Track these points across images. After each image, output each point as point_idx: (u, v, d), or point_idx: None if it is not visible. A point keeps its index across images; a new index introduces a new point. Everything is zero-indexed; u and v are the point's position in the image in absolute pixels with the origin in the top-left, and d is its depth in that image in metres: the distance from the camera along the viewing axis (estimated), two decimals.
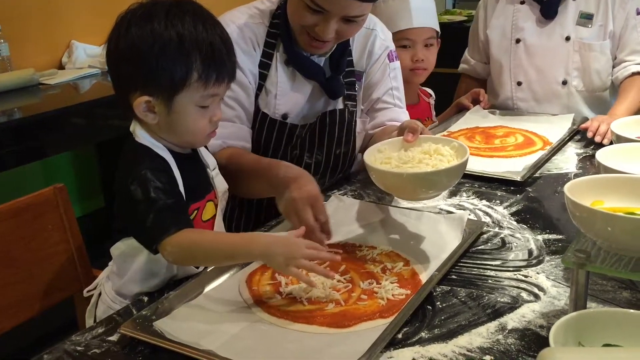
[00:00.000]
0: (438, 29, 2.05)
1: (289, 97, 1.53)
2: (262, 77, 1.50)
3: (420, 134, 1.32)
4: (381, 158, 1.29)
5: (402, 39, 1.98)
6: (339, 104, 1.57)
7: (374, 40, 1.62)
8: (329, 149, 1.59)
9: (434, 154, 1.26)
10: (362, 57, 1.62)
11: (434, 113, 2.19)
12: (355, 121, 1.62)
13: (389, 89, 1.65)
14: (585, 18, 2.06)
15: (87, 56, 2.96)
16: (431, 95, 2.19)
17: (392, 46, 1.68)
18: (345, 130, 1.59)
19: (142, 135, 1.11)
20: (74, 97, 2.62)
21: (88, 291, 1.27)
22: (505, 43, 2.18)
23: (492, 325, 0.99)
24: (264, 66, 1.49)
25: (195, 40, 1.05)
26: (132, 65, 1.06)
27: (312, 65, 1.52)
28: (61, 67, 2.96)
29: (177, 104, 1.07)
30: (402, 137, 1.32)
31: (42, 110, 2.35)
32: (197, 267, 1.16)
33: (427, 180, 1.20)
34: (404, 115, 1.67)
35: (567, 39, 2.08)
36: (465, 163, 1.21)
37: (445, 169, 1.20)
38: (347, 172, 1.68)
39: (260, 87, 1.50)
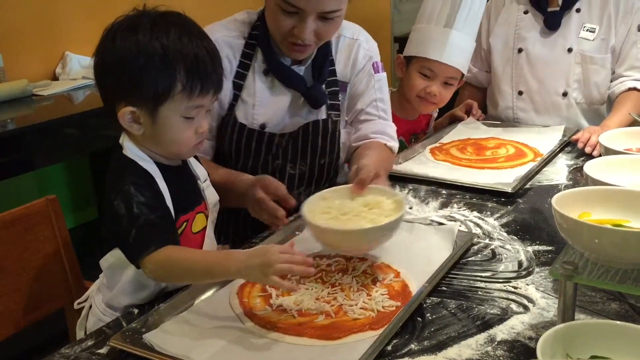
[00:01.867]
0: (465, 72, 2.01)
1: (268, 107, 1.53)
2: (238, 87, 1.50)
3: (372, 181, 1.28)
4: (322, 207, 1.25)
5: (424, 67, 1.95)
6: (322, 114, 1.57)
7: (357, 49, 1.61)
8: (313, 159, 1.58)
9: (375, 207, 1.23)
10: (346, 67, 1.61)
11: (432, 125, 2.19)
12: (339, 131, 1.60)
13: (373, 100, 1.64)
14: (588, 31, 2.08)
15: (81, 67, 2.96)
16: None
17: (377, 57, 1.66)
18: (329, 140, 1.58)
19: (129, 148, 1.11)
20: (68, 108, 2.62)
21: (79, 303, 1.27)
22: (507, 52, 2.19)
23: (482, 337, 0.99)
24: (240, 76, 1.50)
25: (179, 52, 1.06)
26: (117, 77, 1.07)
27: (292, 74, 1.53)
28: (55, 78, 2.96)
29: (162, 114, 1.08)
30: (350, 185, 1.29)
31: (36, 121, 2.35)
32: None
33: (347, 237, 1.15)
34: (389, 128, 1.65)
35: (569, 50, 2.10)
36: (392, 223, 1.16)
37: (364, 229, 1.15)
38: (333, 182, 1.67)
39: (236, 98, 1.51)
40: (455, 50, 1.93)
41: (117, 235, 1.07)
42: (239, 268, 1.01)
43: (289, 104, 1.55)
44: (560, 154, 1.87)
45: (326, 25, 1.41)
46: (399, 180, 1.67)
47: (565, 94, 2.13)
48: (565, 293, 0.92)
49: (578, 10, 2.09)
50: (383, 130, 1.63)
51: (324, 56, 1.55)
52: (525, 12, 2.17)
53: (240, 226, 1.63)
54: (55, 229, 1.50)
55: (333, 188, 1.31)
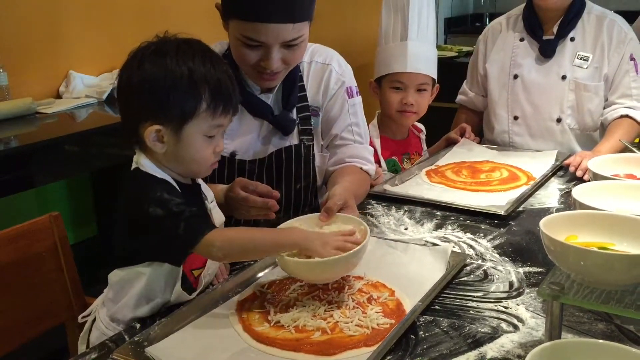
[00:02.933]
0: (434, 77, 2.08)
1: (237, 135, 1.57)
2: None
3: (340, 210, 1.30)
4: None
5: (394, 81, 2.04)
6: (294, 140, 1.60)
7: (329, 75, 1.64)
8: (288, 185, 1.61)
9: None
10: (317, 92, 1.63)
11: (424, 147, 2.24)
12: (313, 155, 1.62)
13: (348, 125, 1.66)
14: (582, 59, 2.14)
15: (85, 86, 3.00)
16: (422, 131, 2.24)
17: (351, 82, 1.68)
18: (303, 165, 1.60)
19: (147, 165, 1.16)
20: (70, 126, 2.66)
21: (83, 317, 1.30)
22: (503, 78, 2.25)
23: (472, 355, 1.03)
24: None
25: (204, 75, 1.12)
26: (144, 98, 1.12)
27: (259, 103, 1.56)
28: (59, 96, 3.00)
29: (186, 133, 1.14)
30: (318, 214, 1.30)
31: (39, 139, 2.39)
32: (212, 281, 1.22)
33: (307, 268, 1.16)
34: (364, 151, 1.68)
35: (564, 77, 2.15)
36: (350, 255, 1.15)
37: (317, 262, 1.14)
38: (313, 206, 1.68)
39: None
40: (416, 58, 2.01)
41: (160, 237, 1.12)
42: (299, 238, 1.16)
43: (259, 131, 1.59)
44: (552, 178, 1.92)
45: (292, 51, 1.45)
46: (395, 201, 1.71)
47: (559, 120, 2.19)
48: (552, 312, 0.95)
49: (572, 39, 2.15)
50: (359, 154, 1.66)
51: (292, 83, 1.59)
52: (521, 40, 2.23)
53: None
54: (57, 245, 1.53)
55: (304, 216, 1.32)
